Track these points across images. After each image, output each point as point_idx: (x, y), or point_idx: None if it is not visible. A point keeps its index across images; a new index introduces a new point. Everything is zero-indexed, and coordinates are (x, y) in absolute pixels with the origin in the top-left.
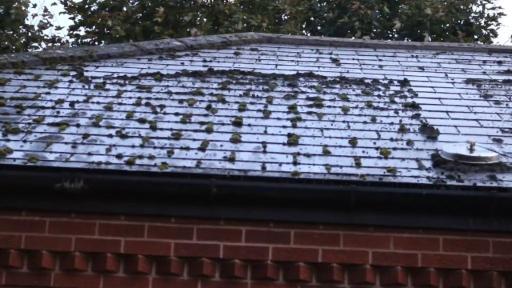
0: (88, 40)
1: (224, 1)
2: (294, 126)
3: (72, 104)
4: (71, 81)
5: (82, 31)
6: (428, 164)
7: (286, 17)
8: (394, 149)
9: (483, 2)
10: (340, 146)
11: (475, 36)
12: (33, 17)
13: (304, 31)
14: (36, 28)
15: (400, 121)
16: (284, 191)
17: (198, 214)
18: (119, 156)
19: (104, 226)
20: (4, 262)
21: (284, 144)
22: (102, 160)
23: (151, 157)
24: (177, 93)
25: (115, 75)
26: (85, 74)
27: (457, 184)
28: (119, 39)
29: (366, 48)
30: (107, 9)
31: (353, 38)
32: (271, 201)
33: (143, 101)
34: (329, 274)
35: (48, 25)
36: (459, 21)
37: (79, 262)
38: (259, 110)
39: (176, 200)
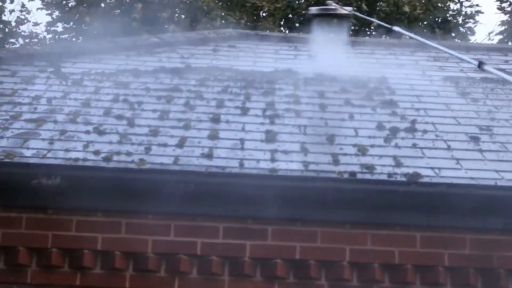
0: (66, 36)
1: None
2: (272, 123)
3: (49, 100)
4: (48, 77)
5: (59, 27)
6: (405, 161)
7: (264, 14)
8: (372, 146)
9: (461, 0)
10: (318, 143)
11: (453, 34)
12: (10, 13)
13: (282, 28)
14: (13, 24)
15: (378, 118)
16: (262, 188)
17: (175, 211)
18: (96, 152)
19: (81, 223)
20: None
21: (262, 141)
22: (79, 157)
23: (128, 154)
24: (155, 90)
25: (93, 71)
26: (63, 70)
27: (433, 181)
28: (96, 35)
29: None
30: (84, 5)
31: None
32: (248, 198)
33: (121, 98)
34: (307, 271)
35: (25, 21)
36: (437, 19)
37: (56, 259)
38: (237, 107)
39: (153, 197)
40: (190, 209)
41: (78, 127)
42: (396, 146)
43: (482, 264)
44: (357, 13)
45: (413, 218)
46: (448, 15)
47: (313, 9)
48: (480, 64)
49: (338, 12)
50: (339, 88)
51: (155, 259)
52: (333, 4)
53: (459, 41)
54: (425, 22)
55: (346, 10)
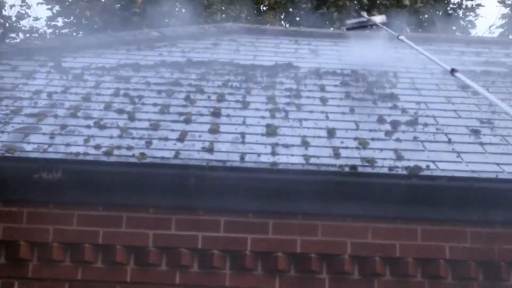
0: (66, 30)
1: None
2: (272, 116)
3: (50, 94)
4: (49, 72)
5: (60, 21)
6: (406, 154)
7: (265, 8)
8: (372, 139)
9: None
10: (319, 137)
11: (453, 27)
12: (11, 7)
13: (282, 22)
14: (13, 19)
15: (379, 111)
16: (263, 182)
17: (176, 205)
18: (97, 146)
19: (82, 217)
20: None
21: (262, 134)
22: (80, 151)
23: (129, 148)
24: (155, 84)
25: (93, 66)
26: (63, 64)
27: (434, 174)
28: (97, 30)
29: (345, 39)
30: None
31: (331, 29)
32: (249, 191)
33: (121, 92)
34: (308, 264)
35: (25, 16)
36: (437, 12)
37: (57, 253)
38: (237, 101)
39: (154, 191)
40: (191, 203)
41: (79, 122)
42: (397, 139)
43: (483, 257)
44: (386, 28)
45: (414, 211)
46: (448, 8)
47: (349, 23)
48: (453, 71)
49: (372, 23)
50: (339, 81)
51: (156, 253)
52: (366, 15)
53: (459, 34)
54: (426, 16)
55: (379, 20)
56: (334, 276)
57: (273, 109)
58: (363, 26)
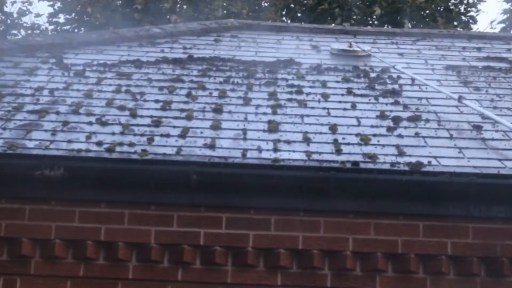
0: (68, 27)
1: None
2: (274, 113)
3: (51, 91)
4: (50, 69)
5: (61, 18)
6: (408, 150)
7: (266, 4)
8: (374, 135)
9: None
10: (320, 133)
11: (455, 23)
12: (12, 4)
13: (284, 18)
14: (15, 15)
15: (380, 107)
16: (265, 178)
17: (178, 201)
18: (99, 143)
19: (84, 214)
20: None
21: (264, 131)
22: (82, 148)
23: (131, 144)
24: (157, 80)
25: (95, 63)
26: (65, 61)
27: (435, 170)
28: (98, 26)
29: (346, 34)
30: None
31: (333, 25)
32: (251, 188)
33: (123, 88)
34: (310, 261)
35: (27, 12)
36: (439, 8)
37: (59, 250)
38: (239, 97)
39: (156, 187)
40: (193, 200)
41: (81, 118)
42: (399, 135)
43: (485, 253)
44: (380, 58)
45: (416, 207)
46: (450, 4)
47: (335, 48)
48: (460, 98)
49: (356, 54)
50: (341, 77)
51: (158, 249)
52: (353, 44)
53: (461, 30)
54: (427, 11)
55: (365, 51)
56: (336, 272)
57: (274, 105)
58: (349, 55)
